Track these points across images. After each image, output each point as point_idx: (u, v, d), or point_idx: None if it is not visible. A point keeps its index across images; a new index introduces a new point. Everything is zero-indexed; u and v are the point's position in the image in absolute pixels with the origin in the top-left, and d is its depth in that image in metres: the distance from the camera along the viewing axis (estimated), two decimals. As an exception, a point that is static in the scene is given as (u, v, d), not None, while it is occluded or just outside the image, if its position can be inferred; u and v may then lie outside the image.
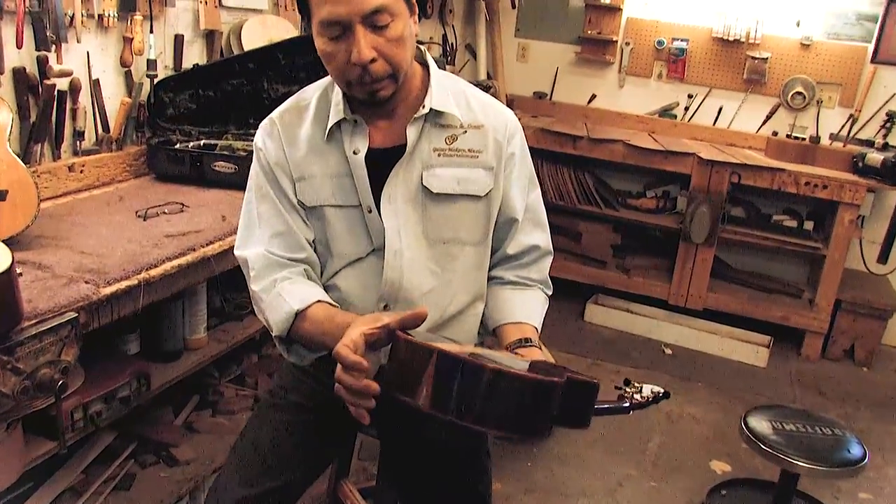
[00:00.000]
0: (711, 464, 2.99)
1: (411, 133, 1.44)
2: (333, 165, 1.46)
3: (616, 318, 4.17)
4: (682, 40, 4.29)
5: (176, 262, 1.78)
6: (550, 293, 1.64)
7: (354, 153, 1.44)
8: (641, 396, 1.41)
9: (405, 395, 1.12)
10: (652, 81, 4.45)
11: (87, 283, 1.59)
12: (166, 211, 2.08)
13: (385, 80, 1.36)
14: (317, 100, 1.50)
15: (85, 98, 2.26)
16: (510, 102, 4.45)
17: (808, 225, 4.09)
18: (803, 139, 3.99)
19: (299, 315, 1.39)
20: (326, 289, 1.52)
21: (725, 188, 3.84)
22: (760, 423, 2.41)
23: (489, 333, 1.60)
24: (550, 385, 1.11)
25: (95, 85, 2.29)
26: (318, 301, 1.40)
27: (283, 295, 1.41)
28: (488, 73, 4.50)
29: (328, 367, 1.45)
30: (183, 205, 2.14)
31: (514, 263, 1.60)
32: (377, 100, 1.38)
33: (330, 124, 1.45)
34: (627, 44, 4.41)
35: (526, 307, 1.56)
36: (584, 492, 2.75)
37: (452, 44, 4.51)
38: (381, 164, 1.45)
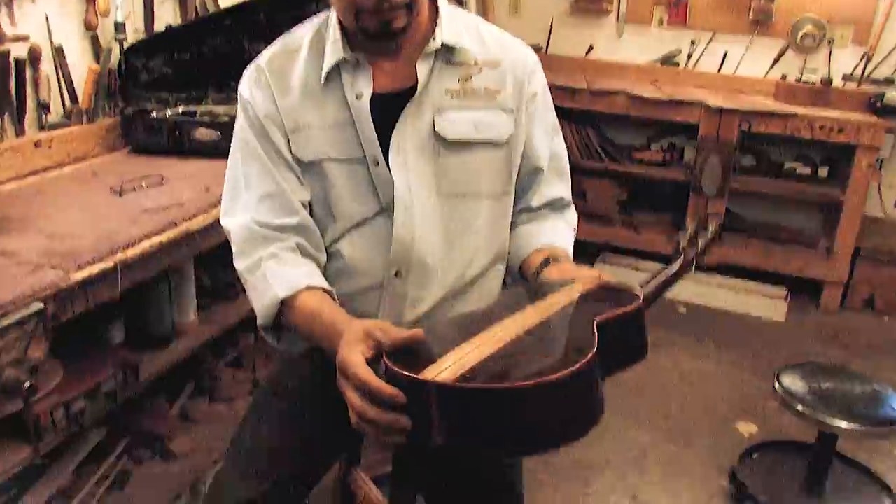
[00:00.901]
0: (737, 425, 2.84)
1: (422, 71, 1.26)
2: (333, 113, 1.29)
3: (625, 276, 3.86)
4: (682, -17, 4.08)
5: (156, 240, 1.61)
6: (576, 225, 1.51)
7: (357, 98, 1.27)
8: (699, 242, 1.33)
9: (418, 434, 0.95)
10: (652, 28, 4.24)
11: (54, 268, 1.42)
12: (144, 185, 1.90)
13: (401, 9, 1.20)
14: (309, 41, 1.32)
15: (48, 66, 2.07)
16: (505, 58, 4.23)
17: (823, 171, 3.91)
18: (814, 83, 3.81)
19: (286, 303, 1.23)
20: (329, 257, 1.35)
21: (735, 137, 3.67)
22: (795, 382, 2.26)
23: (515, 278, 1.46)
24: (586, 369, 0.91)
25: (58, 52, 2.09)
26: (308, 287, 1.23)
27: (269, 278, 1.24)
28: (480, 29, 4.27)
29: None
30: (163, 177, 1.96)
31: (536, 215, 1.45)
32: (390, 31, 1.21)
33: (327, 66, 1.27)
34: (625, -10, 4.20)
35: (550, 232, 1.41)
36: (608, 463, 2.60)
37: (441, -1, 4.29)
38: (387, 110, 1.28)
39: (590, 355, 0.92)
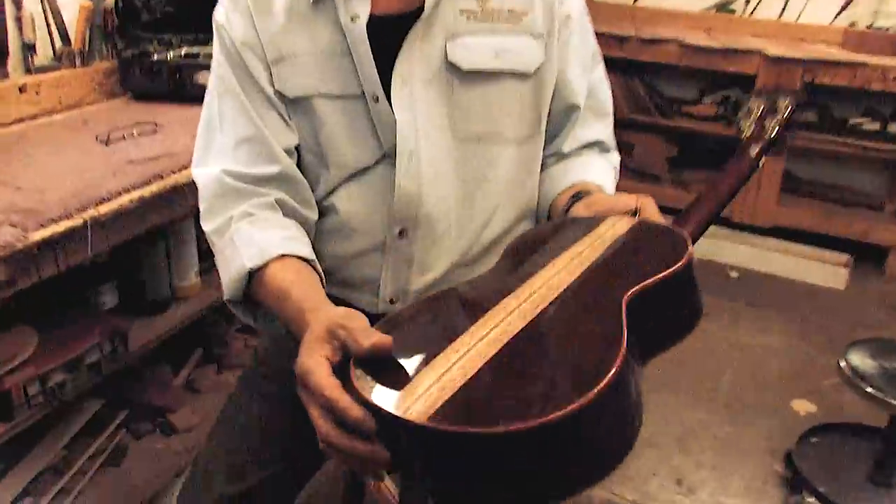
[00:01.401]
0: (793, 404, 2.60)
1: None
2: (324, 40, 1.07)
3: None
4: (741, -79, 3.75)
5: (136, 194, 1.42)
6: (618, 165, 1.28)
7: (352, 20, 1.05)
8: (768, 127, 1.08)
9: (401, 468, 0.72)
10: (707, -28, 3.93)
11: (14, 226, 1.23)
12: (135, 133, 1.71)
13: None
14: None
15: (32, 3, 1.87)
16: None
17: (894, 127, 3.59)
18: (888, 28, 3.49)
19: (255, 275, 1.01)
20: (322, 212, 1.15)
21: (797, 89, 3.37)
22: (864, 361, 2.02)
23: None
24: (607, 390, 0.64)
25: (46, -14, 1.90)
26: (281, 256, 1.01)
27: (237, 242, 1.03)
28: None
29: None
30: (156, 125, 1.76)
31: (567, 158, 1.23)
32: None
33: None
34: (678, -70, 3.89)
35: (582, 169, 1.19)
36: (651, 442, 2.39)
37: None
38: (390, 35, 1.05)
39: (611, 373, 0.64)
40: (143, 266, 1.81)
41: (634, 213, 1.00)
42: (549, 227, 1.07)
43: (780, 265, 3.58)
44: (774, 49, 3.44)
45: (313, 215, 1.14)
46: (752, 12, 3.88)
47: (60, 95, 1.92)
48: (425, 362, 0.70)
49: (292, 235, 1.05)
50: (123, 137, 1.68)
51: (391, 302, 1.16)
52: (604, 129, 1.23)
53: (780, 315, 3.21)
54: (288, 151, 1.10)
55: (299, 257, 1.02)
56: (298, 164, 1.14)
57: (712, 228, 3.63)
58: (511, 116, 1.12)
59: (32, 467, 1.76)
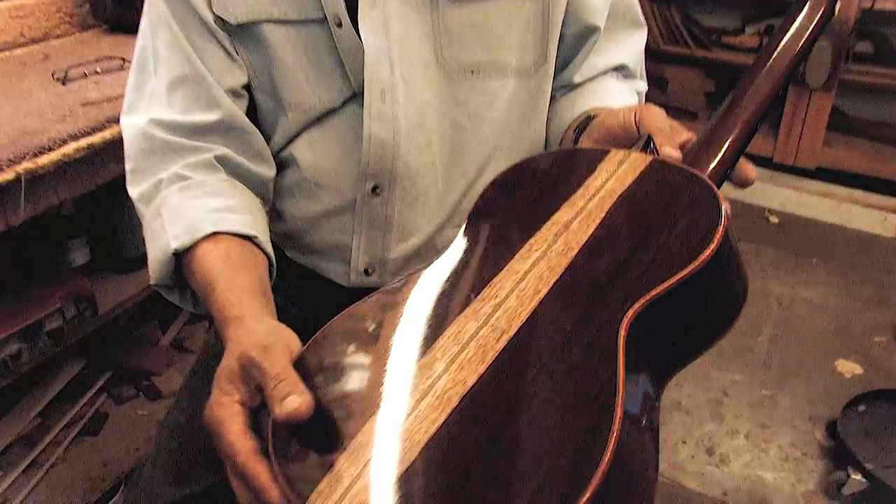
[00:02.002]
0: (837, 364, 2.39)
1: None
2: None
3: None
4: None
5: (85, 141, 1.22)
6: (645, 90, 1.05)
7: None
8: None
9: None
10: None
11: (-72, 181, 1.05)
12: (98, 70, 1.51)
13: None
14: None
15: (-12, -81, 1.66)
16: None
17: (956, 60, 3.29)
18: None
19: (182, 256, 0.82)
20: (280, 165, 0.95)
21: (853, 16, 3.05)
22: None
23: None
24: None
25: None
26: (213, 234, 0.81)
27: (164, 216, 0.83)
28: None
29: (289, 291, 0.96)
30: (124, 60, 1.56)
31: (577, 90, 1.00)
32: None
33: None
34: None
35: (600, 94, 0.96)
36: (681, 405, 2.20)
37: None
38: None
39: (594, 482, 0.43)
40: (115, 219, 1.62)
41: (647, 143, 0.76)
42: (529, 171, 0.79)
43: (825, 210, 3.35)
44: (828, -28, 3.13)
45: (268, 171, 0.94)
46: (801, -68, 3.54)
47: (22, 27, 1.72)
48: (349, 438, 0.51)
49: (230, 205, 0.85)
50: (84, 75, 1.48)
51: (366, 273, 0.97)
52: (629, 50, 0.99)
53: (823, 265, 2.97)
54: (234, 93, 0.90)
55: (236, 234, 0.82)
56: (252, 108, 0.93)
57: (752, 170, 3.36)
58: (512, 41, 0.90)
59: (2, 438, 1.62)
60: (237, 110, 0.89)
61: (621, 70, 1.00)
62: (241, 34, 0.88)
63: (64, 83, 1.44)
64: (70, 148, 1.19)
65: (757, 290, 2.77)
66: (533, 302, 0.58)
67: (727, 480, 1.97)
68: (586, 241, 0.64)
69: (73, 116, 1.28)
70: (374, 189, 0.91)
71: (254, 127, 0.91)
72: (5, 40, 1.69)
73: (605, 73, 0.99)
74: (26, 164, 1.13)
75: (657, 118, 0.77)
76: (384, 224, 0.93)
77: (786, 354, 2.44)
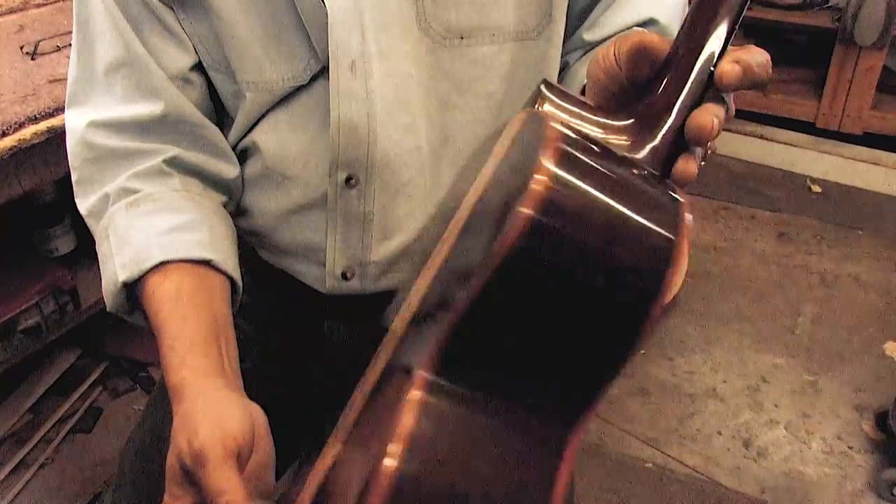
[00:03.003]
0: (886, 347, 2.23)
1: None
2: None
3: (749, 146, 3.37)
4: None
5: (44, 125, 1.10)
6: None
7: None
8: None
9: None
10: None
11: None
12: (71, 43, 1.38)
13: None
14: None
15: None
16: None
17: None
18: None
19: (135, 286, 0.72)
20: (243, 154, 0.83)
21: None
22: None
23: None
24: None
25: None
26: (161, 265, 0.71)
27: (112, 240, 0.73)
28: None
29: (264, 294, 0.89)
30: (103, 32, 1.43)
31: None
32: None
33: None
34: None
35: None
36: (715, 392, 2.06)
37: None
38: None
39: None
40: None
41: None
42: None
43: (871, 178, 3.17)
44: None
45: (228, 167, 0.81)
46: None
47: (1, -4, 1.60)
48: None
49: (183, 223, 0.74)
50: (58, 48, 1.36)
51: (344, 277, 0.84)
52: (660, 2, 0.80)
53: (871, 238, 2.79)
54: (182, 78, 0.77)
55: (192, 260, 0.72)
56: (214, 93, 0.81)
57: (793, 136, 3.18)
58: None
59: (-11, 436, 1.54)
60: (183, 101, 0.77)
61: (649, 25, 0.81)
62: (184, 3, 0.75)
63: (33, 57, 1.32)
64: (27, 132, 1.08)
65: (798, 265, 2.60)
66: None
67: (765, 476, 1.84)
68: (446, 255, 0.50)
69: (36, 96, 1.16)
70: (347, 180, 0.77)
71: (204, 119, 0.79)
72: (-17, 10, 1.57)
73: (626, 29, 0.82)
74: (-26, 151, 1.01)
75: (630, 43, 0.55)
76: (362, 221, 0.80)
77: (830, 336, 2.28)
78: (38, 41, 1.35)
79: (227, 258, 0.75)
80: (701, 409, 2.02)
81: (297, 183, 0.80)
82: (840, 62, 3.13)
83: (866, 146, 3.21)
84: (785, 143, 3.35)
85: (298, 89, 0.77)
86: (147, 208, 0.74)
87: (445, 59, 0.76)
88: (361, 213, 0.79)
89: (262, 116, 0.79)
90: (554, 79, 0.82)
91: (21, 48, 1.35)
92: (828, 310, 2.39)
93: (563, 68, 0.84)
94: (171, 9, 0.76)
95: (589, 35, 0.81)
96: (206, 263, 0.73)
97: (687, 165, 0.50)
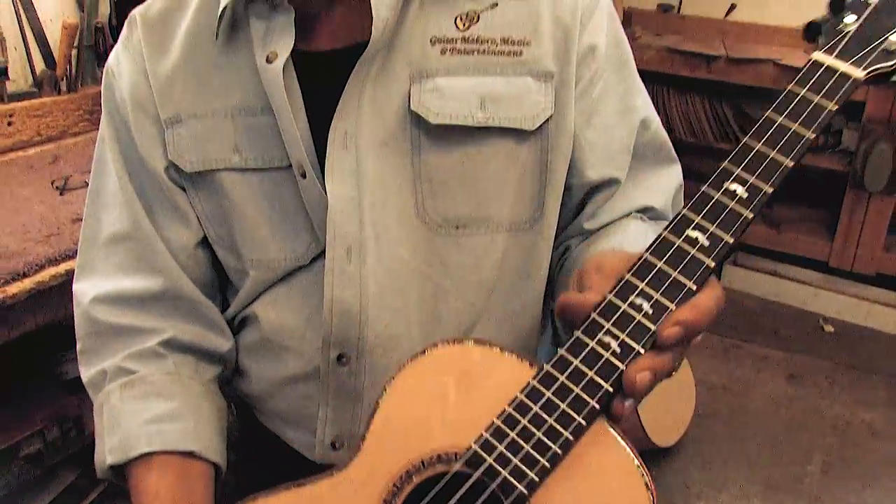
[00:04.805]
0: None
1: (383, 2, 0.72)
2: (237, 92, 0.78)
3: (762, 283, 3.39)
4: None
5: (63, 267, 1.15)
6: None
7: (268, 61, 0.74)
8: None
9: None
10: (810, -18, 3.51)
11: None
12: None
13: None
14: None
15: (7, 19, 1.64)
16: (627, 17, 3.63)
17: None
18: None
19: (123, 467, 0.77)
20: (241, 323, 0.86)
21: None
22: None
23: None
24: None
25: (24, 1, 1.66)
26: (146, 455, 0.76)
27: (105, 420, 0.79)
28: (600, -17, 3.69)
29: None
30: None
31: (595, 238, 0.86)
32: None
33: (222, 6, 0.75)
34: (778, -65, 3.50)
35: (606, 238, 0.82)
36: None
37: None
38: (331, 79, 0.75)
39: None
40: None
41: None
42: None
43: (885, 319, 3.16)
44: (887, 72, 3.01)
45: (224, 342, 0.85)
46: (861, 28, 3.43)
47: (39, 126, 1.68)
48: None
49: (171, 411, 0.78)
50: (85, 184, 1.41)
51: (333, 447, 0.85)
52: (658, 191, 0.86)
53: (885, 382, 2.76)
54: (185, 253, 0.81)
55: (175, 452, 0.76)
56: (216, 263, 0.85)
57: (806, 274, 3.18)
58: (504, 193, 0.79)
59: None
60: (184, 279, 0.82)
61: (647, 212, 0.86)
62: (196, 182, 0.80)
63: (62, 192, 1.39)
64: (47, 275, 1.13)
65: (810, 409, 2.57)
66: None
67: None
68: None
69: (60, 236, 1.22)
70: (339, 358, 0.80)
71: (202, 296, 0.84)
72: (21, 139, 1.66)
73: (626, 216, 0.86)
74: (-6, 293, 1.05)
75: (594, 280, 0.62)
76: (353, 396, 0.82)
77: (843, 488, 2.23)
78: (69, 176, 1.42)
79: (210, 446, 0.79)
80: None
81: (293, 355, 0.83)
82: (851, 205, 3.17)
83: (880, 287, 3.21)
84: (798, 281, 3.36)
85: (299, 268, 0.81)
86: (139, 391, 0.79)
87: (441, 247, 0.79)
88: (352, 389, 0.82)
89: (264, 291, 0.83)
90: (545, 267, 0.85)
91: (52, 182, 1.42)
92: (839, 459, 2.35)
93: (565, 252, 0.87)
94: (183, 189, 0.81)
95: (589, 224, 0.85)
96: (190, 457, 0.77)
97: (621, 408, 0.53)
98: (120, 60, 0.81)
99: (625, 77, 0.84)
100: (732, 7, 3.69)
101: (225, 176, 0.78)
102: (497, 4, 0.76)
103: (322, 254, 0.79)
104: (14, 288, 1.08)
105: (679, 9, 3.79)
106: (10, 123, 1.63)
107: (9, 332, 1.12)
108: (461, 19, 0.75)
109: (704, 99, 3.40)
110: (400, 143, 0.76)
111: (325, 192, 0.75)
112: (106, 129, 0.82)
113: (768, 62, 3.20)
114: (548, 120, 0.78)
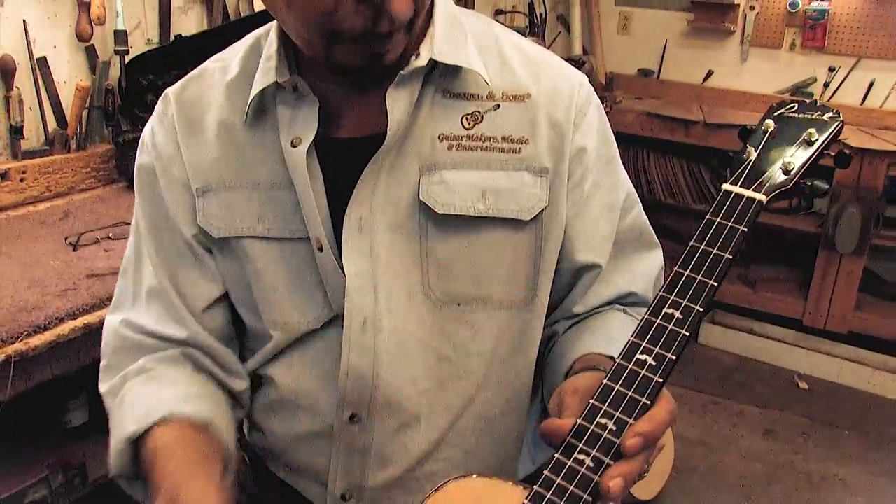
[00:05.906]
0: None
1: (398, 104, 0.81)
2: (263, 168, 0.86)
3: (738, 340, 3.46)
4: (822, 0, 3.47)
5: (81, 321, 1.21)
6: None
7: (293, 145, 0.83)
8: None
9: None
10: (782, 53, 3.64)
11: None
12: (111, 235, 1.52)
13: (400, 32, 0.75)
14: (242, 59, 0.89)
15: (25, 82, 1.72)
16: (609, 82, 3.76)
17: None
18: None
19: (139, 443, 0.80)
20: (258, 382, 0.93)
21: (881, 183, 3.05)
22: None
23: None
24: None
25: (41, 64, 1.74)
26: (165, 418, 0.80)
27: (125, 404, 0.84)
28: (584, 48, 3.79)
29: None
30: (140, 225, 1.57)
31: (579, 325, 0.94)
32: (381, 67, 0.77)
33: (253, 93, 0.84)
34: (752, 8, 3.63)
35: (592, 336, 0.90)
36: None
37: (541, 14, 3.83)
38: (350, 164, 0.83)
39: None
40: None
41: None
42: None
43: (856, 377, 3.22)
44: (857, 139, 3.14)
45: (239, 384, 0.92)
46: (832, 96, 3.57)
47: (49, 183, 1.76)
48: None
49: (189, 392, 0.85)
50: (97, 240, 1.49)
51: (343, 498, 0.92)
52: (640, 275, 0.95)
53: (857, 437, 2.83)
54: (208, 308, 0.89)
55: (193, 421, 0.81)
56: (237, 317, 0.93)
57: (781, 332, 3.24)
58: (501, 275, 0.88)
59: None
60: (205, 334, 0.90)
61: (628, 297, 0.95)
62: (222, 247, 0.88)
63: (75, 248, 1.45)
64: (66, 328, 1.19)
65: (783, 464, 2.64)
66: None
67: None
68: None
69: (76, 291, 1.28)
70: (352, 417, 0.88)
71: (221, 346, 0.91)
72: (31, 195, 1.73)
73: (610, 302, 0.95)
74: (17, 346, 1.12)
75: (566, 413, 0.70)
76: (362, 451, 0.90)
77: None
78: (81, 233, 1.49)
79: (223, 429, 0.84)
80: None
81: (308, 413, 0.91)
82: (824, 266, 3.25)
83: (852, 345, 3.28)
84: (773, 339, 3.42)
85: (312, 332, 0.88)
86: (161, 381, 0.85)
87: (444, 321, 0.88)
88: (361, 445, 0.89)
89: (279, 353, 0.90)
90: (538, 340, 0.94)
91: (65, 239, 1.48)
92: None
93: (552, 337, 0.96)
94: (210, 251, 0.88)
95: (578, 308, 0.94)
96: (205, 428, 0.82)
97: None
98: (155, 132, 0.90)
99: (610, 172, 0.93)
100: (710, 74, 3.82)
101: (248, 243, 0.86)
102: (499, 106, 0.85)
103: (333, 320, 0.87)
104: (36, 340, 1.14)
105: (659, 74, 3.92)
106: (22, 179, 1.70)
107: (26, 382, 1.17)
108: (467, 119, 0.85)
109: (683, 162, 3.49)
110: (409, 228, 0.85)
111: (340, 266, 0.83)
112: (142, 194, 0.90)
113: (743, 127, 3.31)
114: (542, 210, 0.87)
